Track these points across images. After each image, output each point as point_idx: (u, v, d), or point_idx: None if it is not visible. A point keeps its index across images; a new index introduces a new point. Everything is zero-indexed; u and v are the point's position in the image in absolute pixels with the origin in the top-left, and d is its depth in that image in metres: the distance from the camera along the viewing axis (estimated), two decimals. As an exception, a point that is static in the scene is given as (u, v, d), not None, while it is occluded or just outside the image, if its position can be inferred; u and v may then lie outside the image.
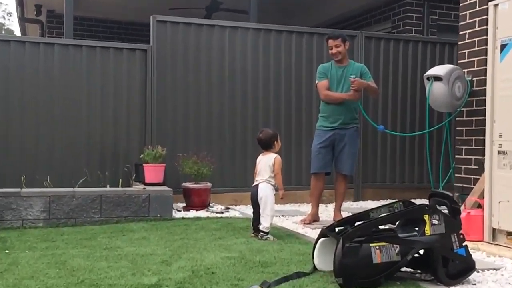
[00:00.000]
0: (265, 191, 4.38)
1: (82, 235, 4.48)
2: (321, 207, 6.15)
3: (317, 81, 5.44)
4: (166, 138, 6.27)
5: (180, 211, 5.75)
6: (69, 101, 6.02)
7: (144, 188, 5.36)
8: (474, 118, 5.64)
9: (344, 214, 5.47)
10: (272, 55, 6.71)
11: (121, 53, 6.20)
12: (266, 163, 4.42)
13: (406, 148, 7.27)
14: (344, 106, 5.30)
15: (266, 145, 4.48)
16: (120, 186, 5.52)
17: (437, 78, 5.60)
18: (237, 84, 6.58)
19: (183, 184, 5.93)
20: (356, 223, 3.33)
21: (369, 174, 7.13)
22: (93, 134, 6.09)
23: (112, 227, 4.85)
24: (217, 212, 5.71)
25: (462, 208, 4.60)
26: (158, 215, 5.26)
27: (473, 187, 5.10)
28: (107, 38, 10.06)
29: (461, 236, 3.27)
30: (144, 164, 5.73)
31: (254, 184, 4.48)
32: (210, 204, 6.02)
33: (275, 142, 4.48)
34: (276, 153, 4.49)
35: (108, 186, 5.53)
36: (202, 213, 5.65)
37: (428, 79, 5.71)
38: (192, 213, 5.63)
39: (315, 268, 3.33)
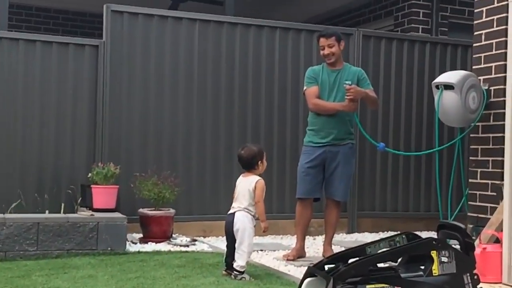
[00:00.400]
0: (243, 222, 4.36)
1: (14, 272, 4.41)
2: (308, 240, 6.14)
3: (305, 87, 5.47)
4: (120, 153, 6.23)
5: (135, 243, 5.70)
6: None
7: (92, 215, 5.32)
8: (491, 135, 5.72)
9: (336, 249, 5.47)
10: (251, 55, 6.74)
11: (67, 49, 6.17)
12: (246, 187, 4.41)
13: (411, 170, 7.34)
14: (337, 118, 5.33)
15: (248, 165, 4.46)
16: (62, 212, 5.46)
17: (448, 87, 5.67)
18: (208, 89, 6.59)
19: (140, 210, 5.89)
20: (350, 260, 3.32)
21: (366, 201, 7.16)
22: (30, 148, 6.02)
23: (51, 263, 4.78)
24: (181, 245, 5.68)
25: (476, 243, 4.64)
26: (109, 248, 5.22)
27: (489, 218, 5.15)
28: (50, 31, 10.00)
29: (476, 276, 3.29)
30: (92, 186, 5.68)
31: (230, 212, 4.46)
32: (173, 235, 5.98)
33: (260, 161, 4.46)
34: (259, 175, 4.48)
35: (47, 212, 5.46)
36: (163, 246, 5.61)
37: (437, 87, 5.78)
38: (150, 246, 5.59)
39: (300, 315, 3.31)
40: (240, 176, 4.52)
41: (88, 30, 10.21)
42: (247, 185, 4.40)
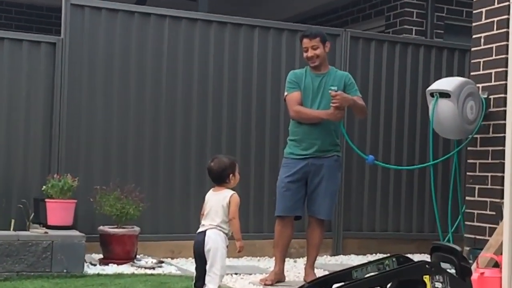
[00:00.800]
0: (215, 241, 4.34)
1: (-44, 297, 4.36)
2: (288, 262, 6.14)
3: (286, 93, 5.49)
4: (79, 164, 6.20)
5: (95, 264, 5.67)
6: None
7: (46, 233, 5.27)
8: (490, 148, 5.79)
9: (319, 272, 5.48)
10: (226, 56, 6.75)
11: (20, 46, 6.13)
12: (219, 203, 4.40)
13: (403, 186, 7.38)
14: (321, 127, 5.36)
15: (218, 178, 4.46)
16: (11, 229, 5.40)
17: (444, 95, 5.73)
18: (178, 93, 6.58)
19: (101, 228, 5.85)
20: (335, 286, 3.33)
21: (353, 220, 7.19)
22: (-24, 157, 5.97)
23: (-2, 286, 4.73)
24: (146, 267, 5.65)
25: (473, 267, 4.67)
26: (65, 270, 5.19)
27: (488, 240, 5.19)
28: (1, 26, 9.92)
29: (473, 304, 3.32)
30: (46, 200, 5.64)
31: (199, 231, 4.45)
32: (137, 256, 5.95)
33: (231, 174, 4.47)
34: (232, 189, 4.48)
35: (-5, 228, 5.41)
36: (126, 268, 5.58)
37: (432, 95, 5.83)
38: (111, 268, 5.56)
39: None
40: (210, 191, 4.52)
41: (44, 26, 10.14)
42: (220, 200, 4.39)
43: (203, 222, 4.44)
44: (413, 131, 7.41)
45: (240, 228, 4.41)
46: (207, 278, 4.32)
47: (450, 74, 7.30)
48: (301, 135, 5.38)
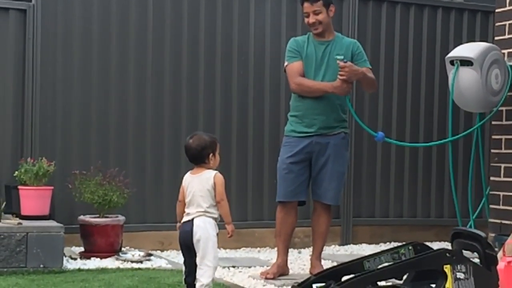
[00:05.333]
0: (205, 230, 4.35)
1: None
2: (292, 253, 6.16)
3: (286, 63, 5.47)
4: (55, 146, 6.19)
5: (75, 259, 5.69)
6: None
7: (20, 224, 5.27)
8: (517, 122, 5.79)
9: (326, 264, 5.49)
10: (219, 20, 6.73)
11: (-14, 14, 6.11)
12: (203, 186, 4.39)
13: (419, 166, 7.38)
14: (326, 101, 5.35)
15: (197, 158, 4.45)
16: (-19, 220, 5.41)
17: (465, 62, 5.71)
18: (166, 65, 6.56)
19: (81, 217, 5.86)
20: (344, 278, 3.33)
21: (364, 205, 7.20)
22: None
23: (-33, 284, 4.74)
24: (132, 261, 5.67)
25: (499, 255, 4.68)
26: (41, 266, 5.20)
27: (515, 225, 5.21)
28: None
29: (499, 296, 3.32)
30: (19, 187, 5.64)
31: (184, 220, 4.45)
32: (123, 249, 5.98)
33: (211, 154, 4.46)
34: (219, 171, 4.48)
35: (-38, 220, 5.41)
36: (110, 262, 5.59)
37: (452, 63, 5.81)
38: (94, 263, 5.57)
39: None
40: (187, 174, 4.50)
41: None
42: (202, 182, 4.40)
43: (187, 210, 4.44)
44: (430, 104, 7.40)
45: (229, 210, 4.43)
46: (198, 272, 4.33)
47: (471, 39, 7.28)
48: (303, 110, 5.36)
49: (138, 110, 6.47)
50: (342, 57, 5.32)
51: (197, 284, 4.34)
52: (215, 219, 4.40)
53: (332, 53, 5.38)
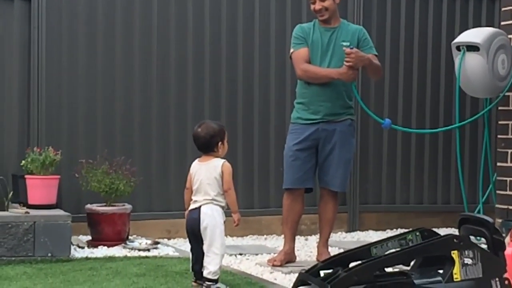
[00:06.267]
0: (212, 218, 4.37)
1: None
2: (299, 240, 6.17)
3: (292, 50, 5.46)
4: (61, 135, 6.20)
5: (83, 247, 5.70)
6: None
7: (27, 213, 5.29)
8: (524, 108, 5.78)
9: (334, 251, 5.50)
10: (224, 8, 6.71)
11: (-9, 4, 6.12)
12: (211, 174, 4.41)
13: (425, 153, 7.38)
14: (332, 88, 5.34)
15: (206, 146, 4.47)
16: (-12, 209, 5.43)
17: (472, 48, 5.70)
18: (172, 52, 6.56)
19: (88, 206, 5.88)
20: (351, 264, 3.34)
21: (370, 192, 7.21)
22: None
23: (-25, 273, 4.76)
24: (140, 249, 5.69)
25: (507, 240, 4.68)
26: (49, 254, 5.21)
27: (523, 210, 5.21)
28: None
29: (506, 282, 3.32)
30: (26, 176, 5.66)
31: (192, 208, 4.47)
32: (130, 237, 5.99)
33: (220, 142, 4.47)
34: (226, 158, 4.49)
35: (-31, 210, 5.43)
36: (117, 251, 5.61)
37: (458, 48, 5.80)
38: (101, 251, 5.60)
39: (289, 333, 3.33)
40: (195, 162, 4.53)
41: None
42: (210, 170, 4.41)
43: (195, 197, 4.45)
44: (436, 90, 7.38)
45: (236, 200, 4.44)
46: (206, 259, 4.35)
47: (478, 24, 7.25)
48: (310, 97, 5.36)
49: (143, 98, 6.47)
50: (348, 43, 5.31)
51: (205, 272, 4.36)
52: (222, 207, 4.42)
53: (338, 40, 5.37)
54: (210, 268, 4.34)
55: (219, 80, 6.69)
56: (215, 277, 4.35)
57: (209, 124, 4.53)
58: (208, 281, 4.34)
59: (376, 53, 5.52)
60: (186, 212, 4.52)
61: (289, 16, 6.85)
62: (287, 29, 6.68)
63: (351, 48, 5.23)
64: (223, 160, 4.45)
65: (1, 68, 6.13)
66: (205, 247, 4.36)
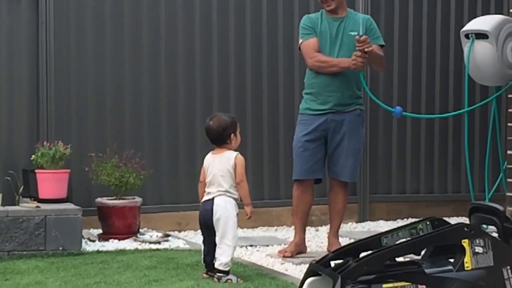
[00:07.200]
0: (225, 209, 4.39)
1: None
2: (309, 231, 6.17)
3: (300, 40, 5.46)
4: (71, 129, 6.22)
5: (94, 240, 5.72)
6: None
7: (38, 207, 5.31)
8: (534, 95, 5.75)
9: (344, 241, 5.51)
10: (232, 0, 6.71)
11: (-2, -1, 6.13)
12: (224, 166, 4.43)
13: (435, 142, 7.36)
14: (341, 78, 5.33)
15: (219, 139, 4.49)
16: (-1, 204, 5.45)
17: (481, 36, 5.67)
18: (180, 45, 6.56)
19: (98, 200, 5.90)
20: (362, 254, 3.34)
21: (380, 182, 7.20)
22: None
23: (-12, 268, 4.79)
24: (151, 242, 5.70)
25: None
26: (60, 248, 5.24)
27: (534, 198, 5.19)
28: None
29: (518, 270, 3.32)
30: (37, 170, 5.68)
31: (205, 199, 4.48)
32: (140, 230, 6.01)
33: (233, 135, 4.48)
34: (238, 150, 4.50)
35: (-20, 205, 5.46)
36: (128, 244, 5.63)
37: (467, 36, 5.77)
38: (112, 244, 5.62)
39: (301, 323, 3.33)
40: (209, 154, 4.54)
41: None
42: (223, 163, 4.43)
43: (208, 189, 4.47)
44: (445, 78, 7.35)
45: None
46: (218, 251, 4.36)
47: (486, 11, 7.22)
48: (318, 87, 5.35)
49: (152, 91, 6.48)
50: (356, 33, 5.28)
51: (216, 263, 4.37)
52: (235, 199, 4.44)
53: (346, 29, 5.35)
54: (222, 259, 4.35)
55: (228, 72, 6.69)
56: (227, 269, 4.37)
57: (220, 116, 4.55)
58: (220, 272, 4.36)
59: (383, 43, 5.51)
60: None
61: (297, 6, 6.84)
62: (294, 19, 6.67)
63: (361, 36, 5.19)
64: (236, 153, 4.46)
65: (10, 64, 6.15)
66: (217, 239, 4.38)
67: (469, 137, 6.55)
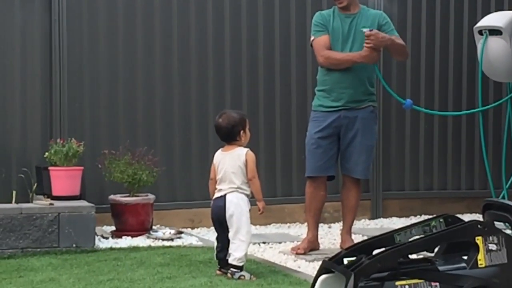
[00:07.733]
0: (238, 206, 4.40)
1: (-44, 278, 4.43)
2: (322, 228, 6.17)
3: (312, 37, 5.45)
4: (84, 127, 6.24)
5: (107, 238, 5.74)
6: None
7: (51, 204, 5.33)
8: (548, 91, 5.73)
9: (357, 238, 5.51)
10: (245, -2, 6.72)
11: (12, -1, 6.15)
12: (235, 163, 4.44)
13: (449, 138, 7.34)
14: (354, 74, 5.33)
15: (228, 136, 4.50)
16: (13, 201, 5.46)
17: (494, 32, 5.66)
18: (193, 42, 6.56)
19: (111, 197, 5.91)
20: (375, 251, 3.34)
21: (393, 178, 7.19)
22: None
23: (2, 265, 4.80)
24: (164, 239, 5.71)
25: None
26: (74, 245, 5.25)
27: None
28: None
29: (532, 267, 3.31)
30: (50, 168, 5.70)
31: (217, 196, 4.49)
32: (153, 227, 6.02)
33: (242, 131, 4.49)
34: (248, 147, 4.51)
35: (-6, 201, 5.48)
36: (141, 241, 5.65)
37: (480, 33, 5.76)
38: (125, 241, 5.63)
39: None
40: (219, 151, 4.56)
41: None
42: (234, 159, 4.44)
43: (219, 186, 4.48)
44: (459, 75, 7.33)
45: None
46: (232, 246, 4.37)
47: (500, 7, 7.19)
48: (331, 84, 5.35)
49: (165, 88, 6.49)
50: (367, 29, 5.27)
51: (230, 258, 4.38)
52: (247, 195, 4.45)
53: (359, 26, 5.35)
54: (236, 254, 4.36)
55: (240, 69, 6.69)
56: (241, 264, 4.38)
57: (229, 114, 4.56)
58: (234, 268, 4.36)
59: (398, 35, 5.49)
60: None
61: (309, 3, 6.83)
62: (307, 16, 6.66)
63: (371, 30, 5.20)
64: (246, 149, 4.48)
65: (23, 60, 6.17)
66: (231, 235, 4.39)
67: (484, 133, 6.52)
